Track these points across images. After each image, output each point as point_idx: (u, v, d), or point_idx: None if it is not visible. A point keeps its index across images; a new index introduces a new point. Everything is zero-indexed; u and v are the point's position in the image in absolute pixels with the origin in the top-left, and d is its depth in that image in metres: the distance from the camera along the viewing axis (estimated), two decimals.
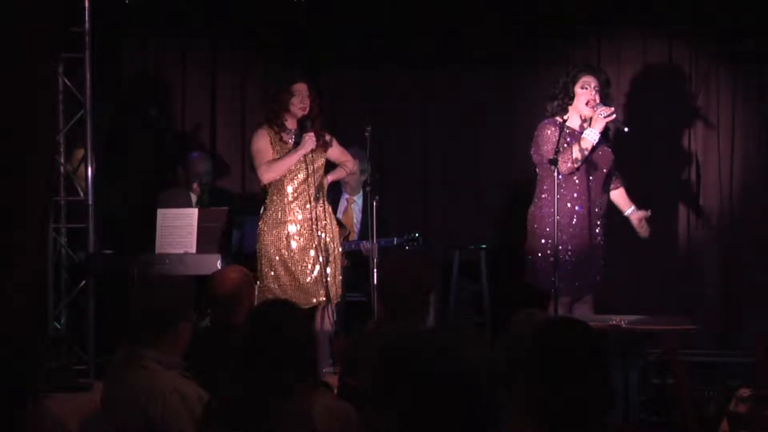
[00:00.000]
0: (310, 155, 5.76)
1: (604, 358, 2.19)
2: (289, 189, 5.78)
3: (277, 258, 5.78)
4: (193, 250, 6.13)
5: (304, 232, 5.75)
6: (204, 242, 6.17)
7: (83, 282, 6.25)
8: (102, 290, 6.29)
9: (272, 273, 5.78)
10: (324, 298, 5.78)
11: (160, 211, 6.25)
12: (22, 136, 5.64)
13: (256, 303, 5.62)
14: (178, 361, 3.30)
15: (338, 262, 5.87)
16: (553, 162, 5.70)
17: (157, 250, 6.14)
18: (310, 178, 5.77)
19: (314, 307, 5.84)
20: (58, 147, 6.34)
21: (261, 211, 5.94)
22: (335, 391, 3.59)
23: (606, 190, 6.14)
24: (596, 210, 5.99)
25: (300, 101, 5.77)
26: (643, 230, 6.15)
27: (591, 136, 5.85)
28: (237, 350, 2.90)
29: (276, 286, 5.76)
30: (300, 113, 5.78)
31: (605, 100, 5.96)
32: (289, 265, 5.77)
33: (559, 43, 7.41)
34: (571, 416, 2.15)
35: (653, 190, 7.24)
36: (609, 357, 2.21)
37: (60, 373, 6.02)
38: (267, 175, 5.79)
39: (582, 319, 2.59)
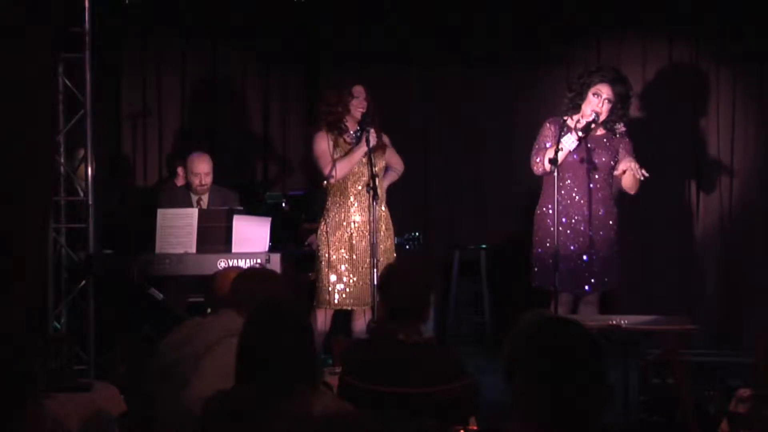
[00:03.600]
0: (372, 157, 5.79)
1: (597, 357, 2.20)
2: (352, 191, 5.86)
3: (338, 259, 5.84)
4: (193, 250, 6.13)
5: (366, 234, 5.82)
6: (204, 242, 6.16)
7: (83, 282, 6.25)
8: (102, 290, 6.29)
9: (332, 274, 5.84)
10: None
11: (160, 211, 6.24)
12: (22, 136, 5.64)
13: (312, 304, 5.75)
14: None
15: None
16: (553, 162, 5.71)
17: (157, 250, 6.13)
18: (372, 181, 5.81)
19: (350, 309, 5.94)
20: (58, 147, 6.34)
21: (324, 213, 5.98)
22: (335, 391, 3.59)
23: (611, 194, 6.09)
24: (599, 212, 5.97)
25: (359, 103, 5.85)
26: (634, 172, 5.82)
27: (567, 143, 5.84)
28: (237, 350, 2.89)
29: (336, 288, 5.83)
30: (360, 114, 5.87)
31: (614, 114, 5.93)
32: (351, 266, 5.83)
33: (559, 43, 7.42)
34: (568, 416, 2.15)
35: (653, 189, 7.24)
36: (606, 356, 2.21)
37: (60, 373, 6.01)
38: (341, 171, 5.82)
39: (575, 319, 2.59)
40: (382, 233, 5.86)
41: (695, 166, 7.37)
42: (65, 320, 6.39)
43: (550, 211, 5.89)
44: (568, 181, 5.95)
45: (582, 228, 5.95)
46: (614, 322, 5.01)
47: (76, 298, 6.30)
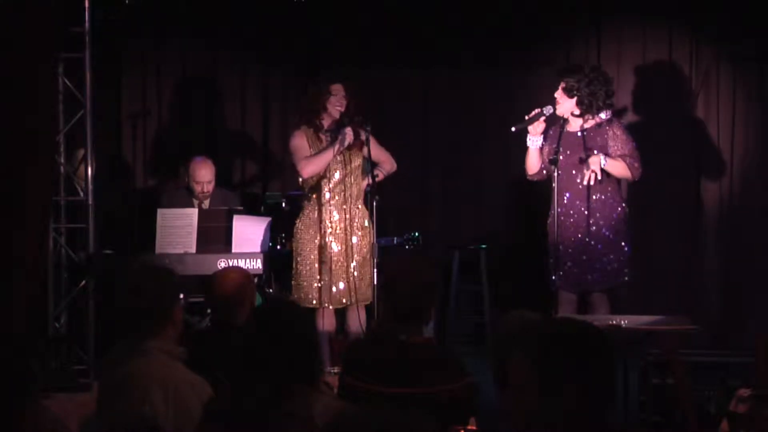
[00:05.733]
0: (347, 155, 5.85)
1: (605, 357, 2.19)
2: (326, 189, 5.87)
3: (313, 257, 5.86)
4: (193, 250, 6.13)
5: (339, 232, 5.83)
6: (204, 242, 6.17)
7: (83, 282, 6.25)
8: (102, 290, 6.29)
9: (306, 271, 5.87)
10: (354, 300, 5.85)
11: (160, 211, 6.24)
12: (22, 136, 5.65)
13: (291, 300, 5.73)
14: (181, 350, 3.28)
15: (369, 264, 5.88)
16: (553, 162, 5.72)
17: (157, 250, 6.14)
18: (347, 178, 5.87)
19: (344, 308, 5.96)
20: (58, 147, 6.35)
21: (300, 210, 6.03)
22: (335, 391, 3.58)
23: (617, 190, 6.06)
24: (604, 208, 5.95)
25: (338, 101, 5.86)
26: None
27: (528, 143, 6.00)
28: (238, 350, 2.89)
29: (308, 284, 5.86)
30: (338, 112, 5.88)
31: (571, 92, 5.93)
32: (323, 264, 5.84)
33: (559, 43, 7.41)
34: (572, 417, 2.15)
35: (653, 189, 7.24)
36: (611, 356, 2.20)
37: (60, 373, 6.02)
38: (307, 169, 5.85)
39: (585, 319, 2.59)
40: (359, 231, 5.86)
41: (695, 165, 7.37)
42: (65, 320, 6.40)
43: (551, 211, 5.91)
44: (572, 181, 5.94)
45: (585, 226, 5.94)
46: (614, 322, 5.01)
47: (76, 298, 6.31)
